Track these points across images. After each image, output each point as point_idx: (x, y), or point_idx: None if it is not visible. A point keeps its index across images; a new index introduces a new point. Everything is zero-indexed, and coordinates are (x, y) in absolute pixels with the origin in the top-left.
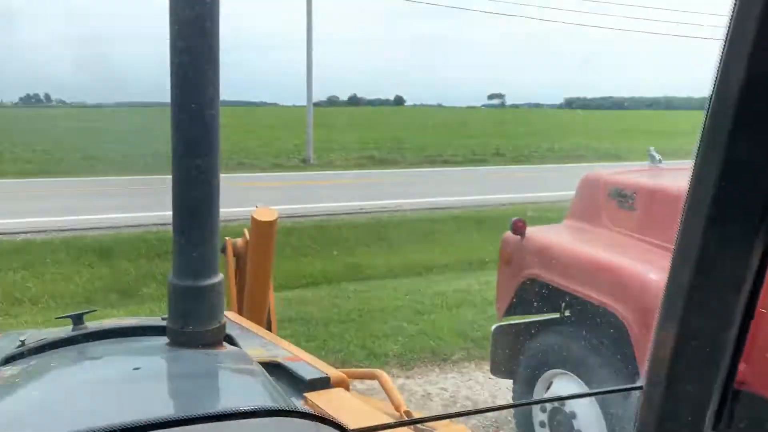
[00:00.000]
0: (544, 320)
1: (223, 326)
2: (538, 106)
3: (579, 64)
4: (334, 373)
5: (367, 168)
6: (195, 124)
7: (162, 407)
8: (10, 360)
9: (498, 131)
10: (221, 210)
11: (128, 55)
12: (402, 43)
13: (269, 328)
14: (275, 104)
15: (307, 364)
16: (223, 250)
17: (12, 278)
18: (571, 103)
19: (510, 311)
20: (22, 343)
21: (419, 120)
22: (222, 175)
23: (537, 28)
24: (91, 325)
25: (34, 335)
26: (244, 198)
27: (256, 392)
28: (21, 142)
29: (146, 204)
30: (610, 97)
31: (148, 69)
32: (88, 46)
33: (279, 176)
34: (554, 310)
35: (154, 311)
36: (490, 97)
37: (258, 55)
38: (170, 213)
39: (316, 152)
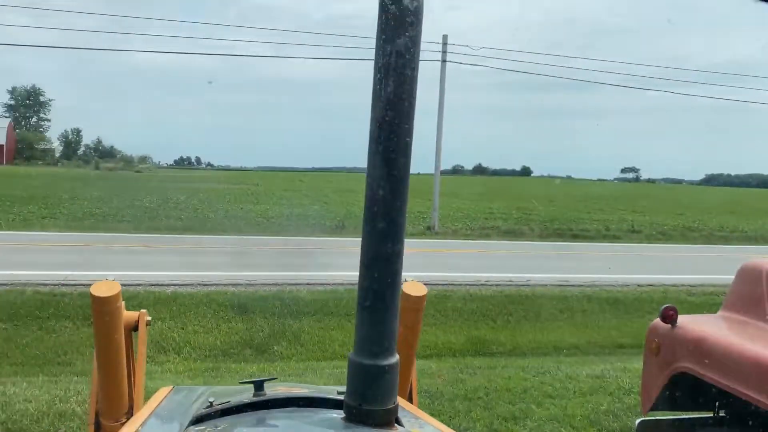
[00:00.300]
0: (696, 418)
1: (397, 407)
2: (676, 181)
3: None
4: None
5: (492, 238)
6: (387, 210)
7: None
8: (199, 420)
9: (632, 206)
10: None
11: (266, 124)
12: (530, 114)
13: (410, 400)
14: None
15: None
16: None
17: (160, 327)
18: (712, 180)
19: (656, 405)
20: (211, 404)
21: (547, 191)
22: (347, 239)
23: (676, 101)
24: (270, 391)
25: (214, 394)
26: None
27: None
28: (173, 201)
29: (284, 263)
30: (758, 174)
31: (286, 138)
32: (232, 115)
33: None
34: (707, 408)
35: (284, 369)
36: (624, 170)
37: None
38: (303, 273)
39: (440, 220)
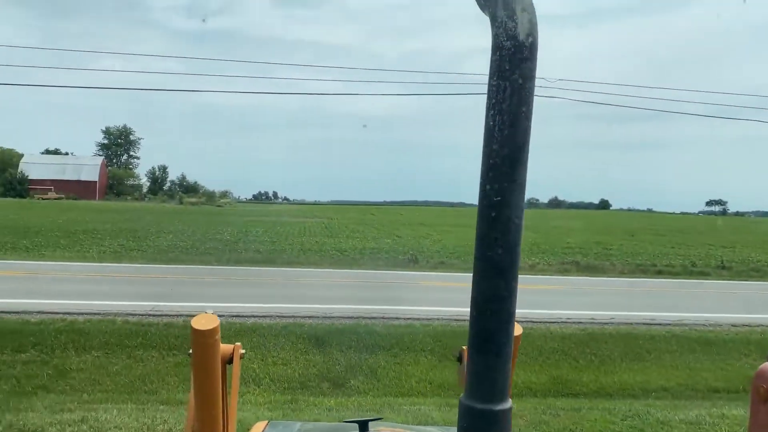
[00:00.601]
0: None
1: None
2: None
3: None
4: None
5: (571, 274)
6: (501, 248)
7: None
8: None
9: (720, 240)
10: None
11: (339, 159)
12: (608, 145)
13: None
14: (473, 204)
15: None
16: (459, 358)
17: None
18: None
19: None
20: None
21: (627, 225)
22: (420, 273)
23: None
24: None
25: (312, 431)
26: (443, 298)
27: None
28: (252, 234)
29: (358, 297)
30: None
31: (358, 173)
32: (307, 151)
33: None
34: None
35: (361, 405)
36: (709, 203)
37: (462, 159)
38: (377, 307)
39: None
